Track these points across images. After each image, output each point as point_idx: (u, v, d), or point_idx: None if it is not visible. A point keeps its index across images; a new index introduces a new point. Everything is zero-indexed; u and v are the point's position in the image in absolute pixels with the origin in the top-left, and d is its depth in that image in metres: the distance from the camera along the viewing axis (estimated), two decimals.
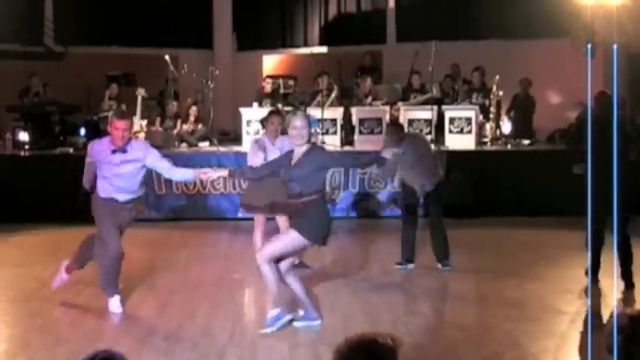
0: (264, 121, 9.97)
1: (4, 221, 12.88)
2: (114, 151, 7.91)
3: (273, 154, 9.47)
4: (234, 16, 20.11)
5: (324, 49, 19.75)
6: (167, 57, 15.64)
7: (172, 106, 16.12)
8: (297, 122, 7.26)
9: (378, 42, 19.60)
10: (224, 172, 8.35)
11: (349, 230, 12.75)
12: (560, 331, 7.43)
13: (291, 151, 7.45)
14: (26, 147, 14.87)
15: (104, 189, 8.04)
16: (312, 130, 7.48)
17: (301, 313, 7.54)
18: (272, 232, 10.04)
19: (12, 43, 17.14)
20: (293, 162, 7.30)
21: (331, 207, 13.75)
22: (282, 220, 9.68)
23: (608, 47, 16.47)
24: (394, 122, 11.45)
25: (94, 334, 7.28)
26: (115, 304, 8.04)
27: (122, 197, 8.03)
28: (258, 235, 9.74)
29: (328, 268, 10.11)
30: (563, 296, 8.62)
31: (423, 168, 9.69)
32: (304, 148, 7.27)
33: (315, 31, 20.12)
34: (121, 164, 7.93)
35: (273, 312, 7.32)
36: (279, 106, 15.49)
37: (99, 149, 8.09)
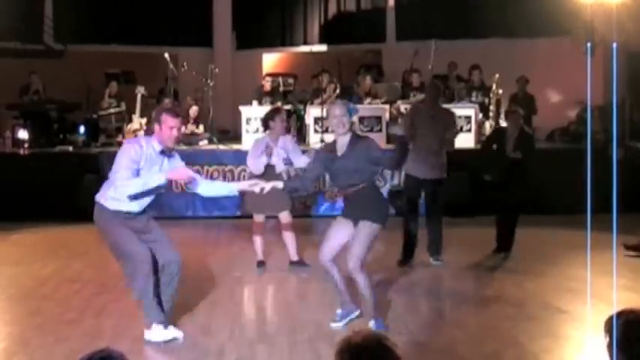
0: (267, 120, 9.72)
1: (4, 219, 12.88)
2: (162, 152, 6.96)
3: (277, 154, 9.44)
4: (233, 14, 20.09)
5: (323, 48, 19.75)
6: (167, 55, 15.64)
7: (167, 103, 16.04)
8: (337, 110, 7.06)
9: (377, 40, 19.60)
10: (279, 184, 7.56)
11: None
12: (560, 330, 7.42)
13: (334, 142, 7.25)
14: (26, 145, 14.86)
15: (114, 200, 6.92)
16: (353, 119, 7.26)
17: (339, 311, 7.58)
18: (272, 229, 10.06)
19: (12, 41, 17.13)
20: (339, 153, 7.12)
21: (331, 205, 13.81)
22: (284, 217, 9.67)
23: (608, 45, 16.49)
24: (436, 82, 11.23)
25: (93, 332, 7.27)
26: (159, 334, 6.99)
27: (141, 207, 7.06)
28: (257, 235, 9.76)
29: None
30: (563, 295, 8.61)
31: (440, 149, 9.80)
32: (348, 137, 7.07)
33: (314, 30, 20.11)
34: (162, 169, 6.97)
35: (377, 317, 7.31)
36: (279, 104, 15.51)
37: (145, 151, 6.90)
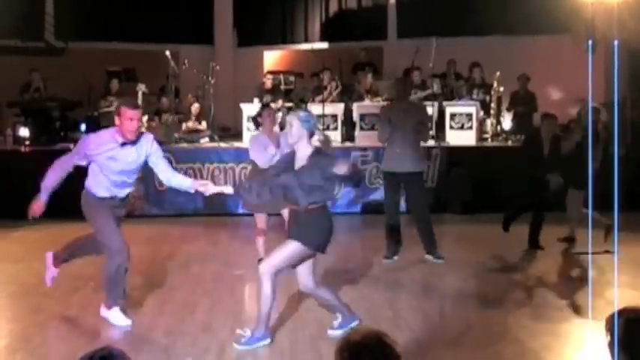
0: (256, 118, 9.92)
1: (5, 217, 12.88)
2: (124, 144, 7.23)
3: (277, 153, 9.43)
4: (234, 11, 20.10)
5: (325, 45, 19.75)
6: (168, 53, 15.64)
7: (167, 102, 16.03)
8: (293, 120, 6.83)
9: (378, 38, 19.61)
10: (228, 189, 7.58)
11: (350, 226, 12.74)
12: (561, 328, 7.42)
13: (293, 153, 6.97)
14: (27, 142, 14.87)
15: (102, 187, 7.41)
16: (313, 129, 6.95)
17: (338, 320, 7.22)
18: (275, 227, 10.04)
19: (13, 39, 17.12)
20: (297, 166, 6.85)
21: (331, 203, 13.80)
22: (285, 214, 9.66)
23: (609, 43, 16.47)
24: (402, 78, 11.36)
25: (94, 330, 7.28)
26: (117, 316, 7.47)
27: (123, 193, 7.52)
28: (259, 233, 9.75)
29: (329, 264, 10.10)
30: (565, 293, 8.62)
31: (415, 142, 9.78)
32: (309, 151, 6.81)
33: (315, 27, 20.12)
34: (130, 159, 7.31)
35: (258, 330, 6.89)
36: (280, 102, 15.53)
37: (101, 143, 7.29)
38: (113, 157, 7.26)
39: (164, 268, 9.85)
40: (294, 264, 6.97)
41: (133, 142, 7.26)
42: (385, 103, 14.38)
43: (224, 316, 7.79)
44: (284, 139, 9.73)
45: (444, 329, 7.45)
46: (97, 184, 7.44)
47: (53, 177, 7.80)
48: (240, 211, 13.03)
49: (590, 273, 8.46)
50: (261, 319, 6.89)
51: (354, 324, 7.14)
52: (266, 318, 6.91)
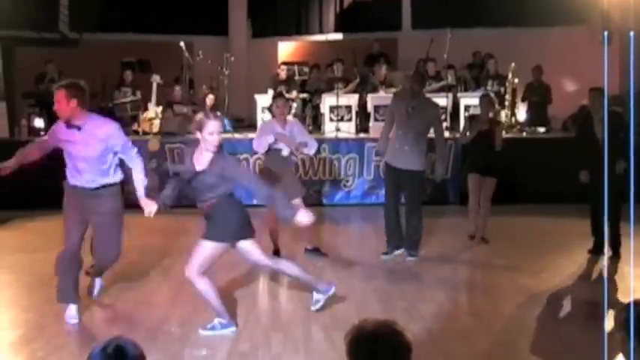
0: (270, 107, 10.09)
1: (21, 208, 12.96)
2: (68, 126, 7.37)
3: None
4: (249, 2, 20.09)
5: (339, 36, 19.72)
6: (182, 44, 15.64)
7: (181, 93, 16.02)
8: (217, 127, 6.91)
9: (393, 29, 19.56)
10: (153, 206, 7.46)
11: (364, 217, 12.76)
12: (574, 319, 7.42)
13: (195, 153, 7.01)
14: (41, 133, 14.88)
15: (70, 174, 7.55)
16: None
17: (315, 294, 7.55)
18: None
19: (27, 30, 17.16)
20: (199, 167, 6.88)
21: (346, 193, 13.82)
22: (296, 204, 9.66)
23: (624, 34, 16.39)
24: (419, 72, 11.31)
25: (109, 320, 7.31)
26: (70, 313, 7.34)
27: (90, 184, 7.44)
28: (271, 224, 9.74)
29: (342, 255, 10.12)
30: (577, 284, 8.61)
31: (417, 140, 9.69)
32: (211, 154, 6.85)
33: (330, 18, 20.09)
34: (79, 143, 7.35)
35: (221, 318, 7.06)
36: (295, 92, 15.53)
37: (55, 127, 7.61)
38: (67, 140, 7.42)
39: (178, 259, 9.86)
40: (215, 258, 7.07)
41: (78, 127, 7.34)
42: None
43: (238, 306, 7.81)
44: (295, 126, 9.76)
45: (457, 320, 7.46)
46: (67, 171, 7.61)
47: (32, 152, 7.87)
48: (254, 202, 13.04)
49: (607, 264, 8.44)
50: (218, 312, 7.05)
51: (331, 292, 7.46)
52: (221, 309, 7.04)
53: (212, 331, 7.00)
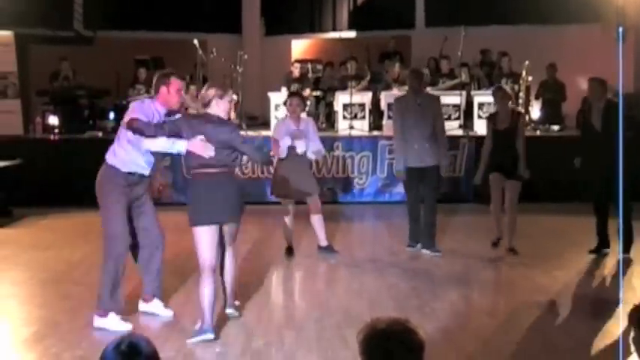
0: (285, 104, 10.17)
1: (35, 204, 13.01)
2: (168, 115, 7.13)
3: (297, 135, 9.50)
4: (262, 0, 20.09)
5: (352, 34, 19.70)
6: (196, 41, 15.66)
7: (195, 91, 16.03)
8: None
9: (406, 27, 19.53)
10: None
11: (377, 215, 12.75)
12: (588, 319, 7.39)
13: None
14: (56, 131, 14.97)
15: (132, 162, 7.16)
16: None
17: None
18: (301, 216, 10.04)
19: (42, 28, 17.21)
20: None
21: (359, 191, 13.80)
22: (312, 201, 9.66)
23: (639, 32, 16.33)
24: (416, 69, 11.17)
25: (122, 317, 7.31)
26: (114, 322, 7.04)
27: (149, 172, 7.30)
28: (286, 221, 9.77)
29: (356, 252, 10.12)
30: (591, 283, 8.58)
31: (432, 135, 9.66)
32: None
33: (343, 16, 20.07)
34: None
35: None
36: (308, 90, 15.53)
37: (147, 112, 7.05)
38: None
39: (191, 255, 9.85)
40: (214, 243, 6.84)
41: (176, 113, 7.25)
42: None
43: (251, 303, 7.81)
44: (310, 125, 9.77)
45: (471, 319, 7.44)
46: (126, 157, 7.18)
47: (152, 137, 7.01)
48: (270, 198, 13.05)
49: (622, 263, 8.41)
50: (206, 314, 6.77)
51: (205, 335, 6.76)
52: (209, 312, 6.78)
53: (195, 337, 6.71)
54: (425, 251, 9.87)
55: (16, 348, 6.67)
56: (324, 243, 9.87)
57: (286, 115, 9.95)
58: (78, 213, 12.75)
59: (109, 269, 7.14)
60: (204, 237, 6.75)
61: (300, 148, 9.43)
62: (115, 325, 6.98)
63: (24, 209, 12.83)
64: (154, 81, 7.32)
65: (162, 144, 6.86)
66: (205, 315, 6.74)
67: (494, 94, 10.27)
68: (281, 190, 9.65)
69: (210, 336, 6.69)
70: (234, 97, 6.99)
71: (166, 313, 7.49)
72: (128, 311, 7.34)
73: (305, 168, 9.80)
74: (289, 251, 9.90)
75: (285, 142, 9.40)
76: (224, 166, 6.75)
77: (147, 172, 7.26)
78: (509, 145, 9.82)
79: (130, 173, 7.17)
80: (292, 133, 9.45)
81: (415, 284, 8.52)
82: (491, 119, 10.22)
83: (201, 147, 6.66)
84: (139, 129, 6.84)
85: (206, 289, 6.74)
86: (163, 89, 7.15)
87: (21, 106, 15.85)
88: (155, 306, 7.52)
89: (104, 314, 7.07)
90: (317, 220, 9.74)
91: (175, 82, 7.16)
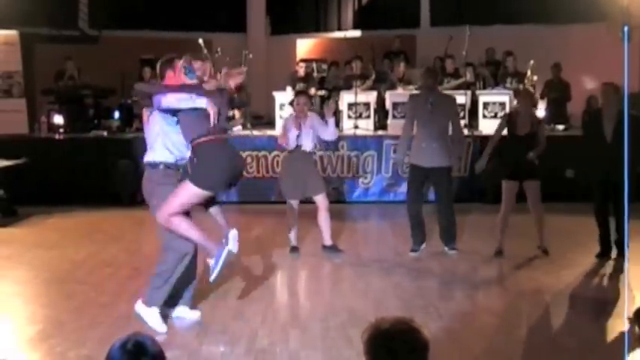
0: (292, 103, 10.25)
1: (39, 204, 13.02)
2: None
3: (306, 134, 9.55)
4: None
5: (357, 33, 19.69)
6: (201, 41, 15.64)
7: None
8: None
9: (411, 26, 19.53)
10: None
11: (382, 215, 12.74)
12: (594, 319, 7.38)
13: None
14: (61, 130, 14.99)
15: (167, 149, 7.05)
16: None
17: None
18: (306, 215, 10.04)
19: (47, 27, 17.24)
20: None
21: (364, 191, 13.79)
22: (320, 200, 9.64)
23: None
24: (431, 68, 11.08)
25: (128, 316, 7.31)
26: (153, 317, 6.98)
27: (181, 153, 7.13)
28: (291, 220, 9.76)
29: (360, 252, 10.11)
30: (597, 283, 8.56)
31: (442, 136, 9.59)
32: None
33: (348, 15, 20.07)
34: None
35: (212, 253, 6.82)
36: (313, 90, 15.53)
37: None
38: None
39: (197, 255, 9.88)
40: (194, 203, 6.90)
41: None
42: (416, 91, 14.24)
43: (256, 303, 7.81)
44: (315, 119, 9.76)
45: (475, 318, 7.43)
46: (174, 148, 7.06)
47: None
48: (272, 198, 13.05)
49: (627, 263, 8.39)
50: (206, 246, 6.87)
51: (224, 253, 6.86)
52: (206, 242, 6.85)
53: (217, 266, 6.74)
54: (445, 248, 9.85)
55: (22, 347, 6.68)
56: (328, 242, 9.86)
57: (291, 115, 9.99)
58: (82, 212, 12.78)
59: (164, 268, 7.01)
60: (198, 198, 6.80)
61: (308, 146, 9.50)
62: (153, 320, 6.92)
63: (29, 208, 12.85)
64: (158, 69, 7.32)
65: (183, 97, 6.75)
66: (206, 245, 6.82)
67: (516, 95, 10.07)
68: (287, 190, 9.67)
69: (226, 250, 6.75)
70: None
71: (192, 315, 7.38)
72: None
73: (311, 167, 9.83)
74: (294, 251, 9.90)
75: (293, 133, 9.47)
76: (225, 131, 6.81)
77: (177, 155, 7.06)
78: (525, 152, 9.56)
79: (166, 166, 7.03)
80: (296, 127, 9.55)
81: (420, 284, 8.51)
82: (510, 119, 9.91)
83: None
84: (151, 92, 6.97)
85: (184, 225, 6.74)
86: (170, 73, 7.15)
87: (26, 105, 15.86)
88: (181, 310, 7.40)
89: (148, 304, 6.99)
90: (324, 220, 9.73)
91: (186, 62, 7.10)
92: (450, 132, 9.76)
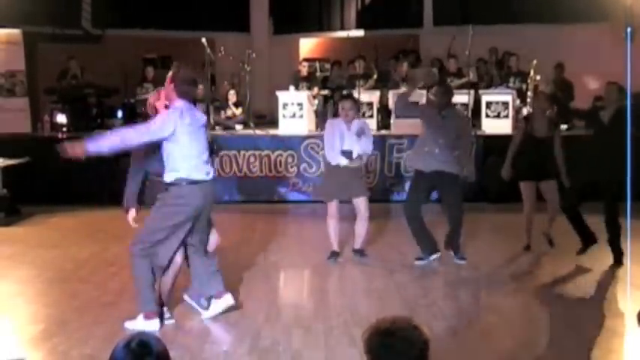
0: (336, 108, 10.14)
1: (42, 203, 13.03)
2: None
3: (350, 138, 9.27)
4: None
5: (360, 33, 19.68)
6: (204, 40, 15.66)
7: (203, 90, 16.02)
8: None
9: (414, 25, 19.50)
10: None
11: (384, 214, 12.72)
12: (597, 319, 7.37)
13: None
14: (64, 129, 14.99)
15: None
16: None
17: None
18: (348, 214, 9.93)
19: (50, 26, 17.25)
20: None
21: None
22: (360, 204, 9.53)
23: None
24: (448, 85, 10.98)
25: (131, 315, 7.31)
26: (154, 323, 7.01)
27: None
28: (331, 222, 9.54)
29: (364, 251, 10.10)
30: (600, 282, 8.56)
31: (447, 145, 9.46)
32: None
33: (351, 15, 20.04)
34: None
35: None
36: (316, 89, 15.54)
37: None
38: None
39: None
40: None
41: None
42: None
43: (259, 303, 7.80)
44: (360, 124, 9.54)
45: (478, 318, 7.44)
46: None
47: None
48: (275, 198, 13.04)
49: (630, 263, 8.39)
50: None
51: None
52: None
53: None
54: (434, 256, 9.51)
55: (24, 346, 6.67)
56: (357, 246, 9.70)
57: (333, 120, 9.76)
58: (85, 212, 12.80)
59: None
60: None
61: (354, 151, 9.29)
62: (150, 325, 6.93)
63: (32, 207, 12.86)
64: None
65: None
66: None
67: (533, 100, 10.12)
68: (327, 192, 9.53)
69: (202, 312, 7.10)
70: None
71: (226, 302, 7.40)
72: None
73: (355, 171, 9.54)
74: (334, 256, 9.59)
75: (337, 147, 9.24)
76: None
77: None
78: (546, 155, 9.70)
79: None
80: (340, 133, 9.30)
81: (423, 283, 8.51)
82: (527, 121, 10.10)
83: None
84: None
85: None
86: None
87: (29, 104, 15.88)
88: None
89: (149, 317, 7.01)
90: (360, 225, 9.55)
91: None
92: (460, 149, 9.51)
